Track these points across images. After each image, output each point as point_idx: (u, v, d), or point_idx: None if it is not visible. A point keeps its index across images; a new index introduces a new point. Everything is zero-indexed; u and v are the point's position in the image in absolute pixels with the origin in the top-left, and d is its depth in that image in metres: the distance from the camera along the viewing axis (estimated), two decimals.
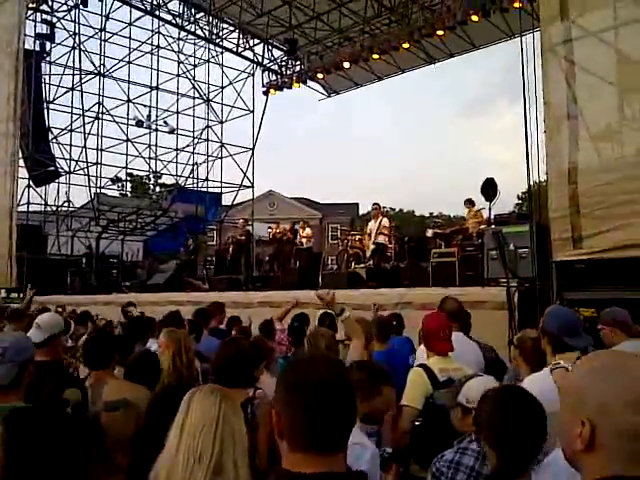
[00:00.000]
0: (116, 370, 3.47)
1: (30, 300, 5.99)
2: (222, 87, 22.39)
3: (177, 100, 22.80)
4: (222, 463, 1.75)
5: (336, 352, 3.59)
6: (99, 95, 20.64)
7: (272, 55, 20.45)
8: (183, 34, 20.79)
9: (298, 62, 19.62)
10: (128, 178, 31.27)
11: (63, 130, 20.77)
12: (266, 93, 20.01)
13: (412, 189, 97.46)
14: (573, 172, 6.36)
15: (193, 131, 22.95)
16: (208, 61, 22.02)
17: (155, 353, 3.58)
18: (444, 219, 30.50)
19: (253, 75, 21.09)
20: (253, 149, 21.57)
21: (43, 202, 20.33)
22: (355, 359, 3.50)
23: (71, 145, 20.86)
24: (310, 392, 1.28)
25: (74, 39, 19.83)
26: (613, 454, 1.11)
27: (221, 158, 22.79)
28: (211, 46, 21.30)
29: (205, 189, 22.98)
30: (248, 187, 22.08)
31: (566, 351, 2.86)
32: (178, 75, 22.52)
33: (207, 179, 22.86)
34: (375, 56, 16.28)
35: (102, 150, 20.98)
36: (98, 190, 21.13)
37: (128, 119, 21.69)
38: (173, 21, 19.64)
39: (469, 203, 11.37)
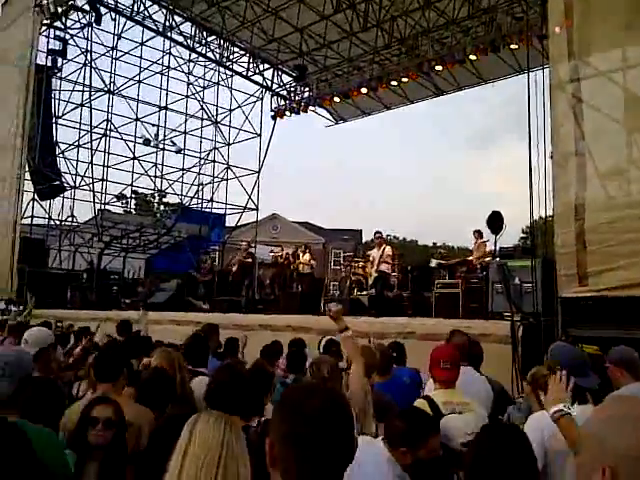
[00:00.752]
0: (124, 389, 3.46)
1: (30, 312, 5.99)
2: (230, 110, 22.57)
3: (185, 121, 22.96)
4: None
5: (337, 381, 3.52)
6: (108, 112, 20.91)
7: (281, 80, 20.68)
8: (194, 56, 20.99)
9: (307, 88, 19.83)
10: (133, 195, 31.47)
11: (70, 145, 20.89)
12: (274, 117, 20.16)
13: (415, 218, 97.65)
14: (580, 208, 6.37)
15: (200, 152, 23.07)
16: (218, 84, 22.22)
17: (168, 374, 3.56)
18: (447, 249, 30.44)
19: (262, 99, 21.28)
20: (259, 172, 21.68)
21: (47, 216, 20.34)
22: (356, 387, 3.46)
23: (78, 161, 20.97)
24: (302, 424, 1.23)
25: (86, 56, 20.13)
26: None
27: (227, 180, 22.88)
28: (221, 69, 21.50)
29: (209, 210, 23.03)
30: (252, 209, 22.13)
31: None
32: (187, 96, 22.72)
33: (212, 200, 22.93)
34: (383, 87, 16.47)
35: (108, 167, 21.18)
36: (102, 206, 21.23)
37: (135, 137, 21.87)
38: (184, 43, 19.85)
39: (477, 234, 11.35)
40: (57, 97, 20.41)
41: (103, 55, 20.76)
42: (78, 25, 19.82)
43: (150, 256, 22.89)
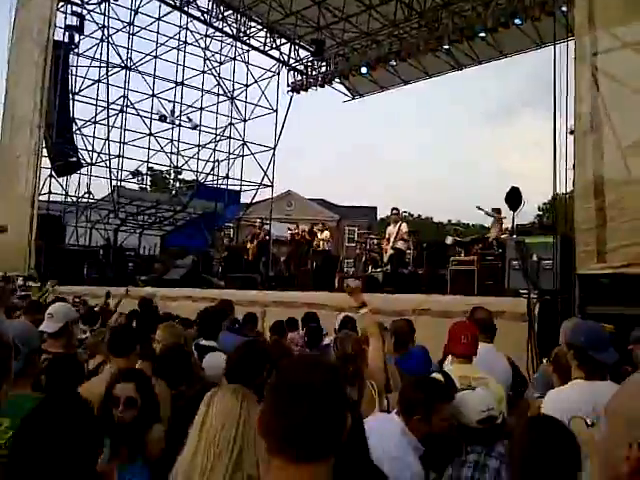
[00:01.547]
0: (138, 363, 3.47)
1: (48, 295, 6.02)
2: (247, 85, 22.41)
3: (201, 96, 22.87)
4: (242, 461, 1.72)
5: (362, 357, 3.47)
6: (124, 88, 20.89)
7: (298, 55, 20.45)
8: (210, 31, 20.86)
9: (324, 63, 19.60)
10: (149, 172, 31.58)
11: (87, 122, 20.92)
12: (292, 92, 19.99)
13: (431, 195, 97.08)
14: (600, 184, 6.25)
15: (216, 128, 22.98)
16: (234, 59, 22.06)
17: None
18: (463, 227, 30.23)
19: (278, 74, 21.11)
20: (275, 148, 21.58)
21: (64, 192, 20.47)
22: (376, 364, 3.44)
23: (94, 137, 21.03)
24: (283, 393, 1.22)
25: (103, 32, 20.09)
26: None
27: (242, 156, 22.81)
28: (238, 44, 21.32)
29: (225, 186, 23.03)
30: (268, 186, 22.08)
31: (591, 364, 2.80)
32: (203, 72, 22.60)
33: (227, 176, 22.90)
34: (402, 60, 16.21)
35: (124, 143, 21.21)
36: (118, 183, 21.30)
37: (152, 113, 21.83)
38: (201, 17, 19.68)
39: (496, 212, 11.22)
40: (74, 73, 20.39)
41: (120, 31, 20.73)
42: (95, 0, 19.76)
43: (165, 233, 23.01)
